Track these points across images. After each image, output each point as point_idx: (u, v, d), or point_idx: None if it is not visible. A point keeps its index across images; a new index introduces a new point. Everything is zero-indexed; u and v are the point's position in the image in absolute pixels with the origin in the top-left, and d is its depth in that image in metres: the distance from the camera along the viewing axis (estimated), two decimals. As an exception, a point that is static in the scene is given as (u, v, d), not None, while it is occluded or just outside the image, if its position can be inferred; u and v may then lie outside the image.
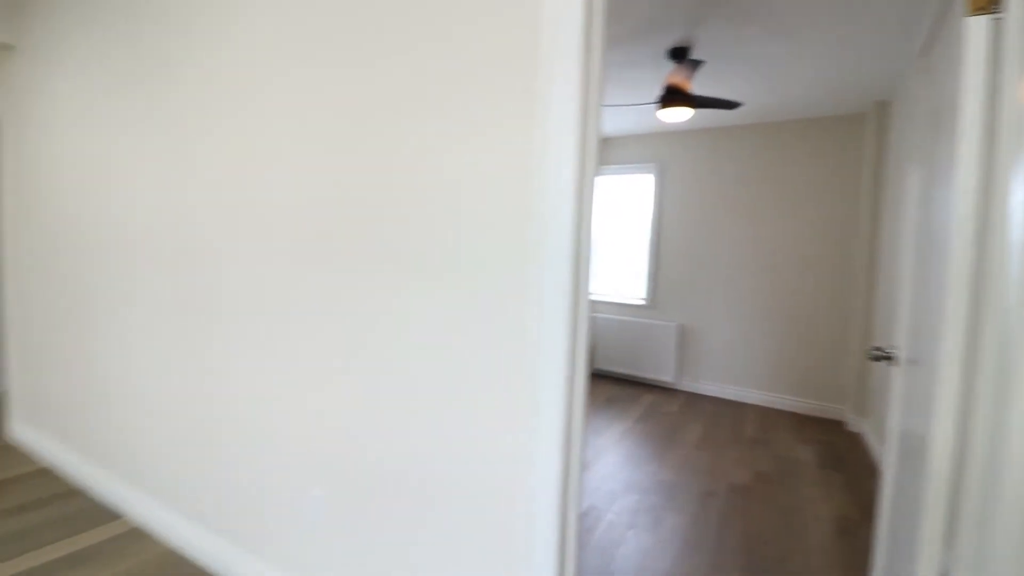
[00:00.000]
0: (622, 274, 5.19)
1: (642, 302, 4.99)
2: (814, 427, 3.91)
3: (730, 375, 4.56)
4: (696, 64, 2.93)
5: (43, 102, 2.58)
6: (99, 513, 2.24)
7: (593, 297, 5.26)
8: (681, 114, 3.26)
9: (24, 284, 2.84)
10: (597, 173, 1.20)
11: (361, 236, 1.46)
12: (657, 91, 3.76)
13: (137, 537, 2.08)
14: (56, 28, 2.45)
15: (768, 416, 4.13)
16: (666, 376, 4.74)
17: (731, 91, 3.66)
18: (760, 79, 3.40)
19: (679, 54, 3.03)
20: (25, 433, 2.90)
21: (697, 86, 3.60)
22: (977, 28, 1.00)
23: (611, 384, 4.88)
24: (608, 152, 5.20)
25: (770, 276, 4.36)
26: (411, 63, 1.34)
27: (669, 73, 3.31)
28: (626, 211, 5.19)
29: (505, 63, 1.20)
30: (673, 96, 3.16)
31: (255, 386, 1.75)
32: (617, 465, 3.07)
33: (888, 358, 1.61)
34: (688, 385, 4.74)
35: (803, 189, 4.22)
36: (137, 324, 2.16)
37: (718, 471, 3.03)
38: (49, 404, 2.73)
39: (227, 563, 1.86)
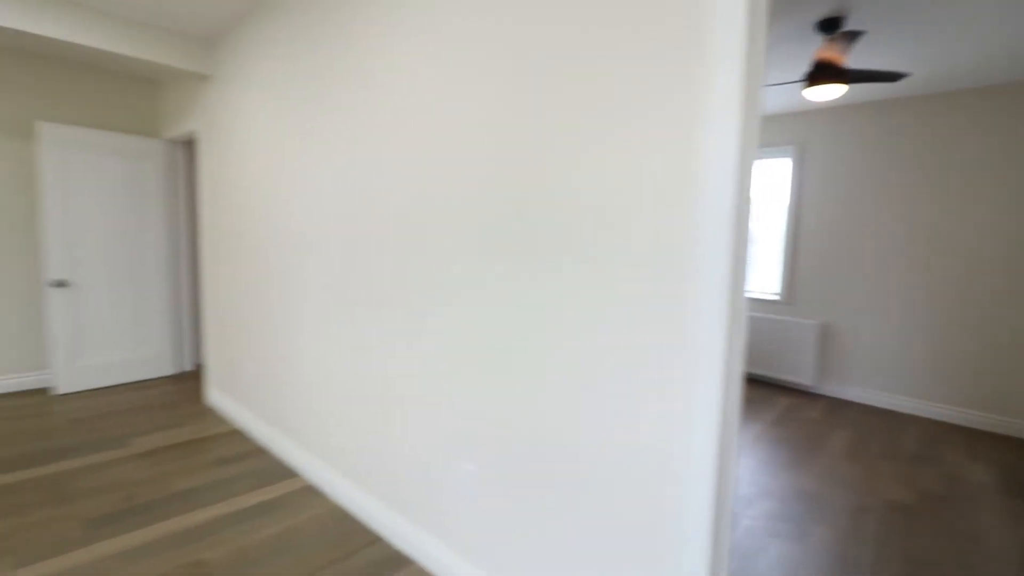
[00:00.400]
0: (754, 267, 4.85)
1: (776, 297, 4.63)
2: (990, 444, 3.37)
3: (881, 380, 4.08)
4: (853, 36, 2.64)
5: (232, 120, 3.05)
6: (280, 470, 2.64)
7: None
8: (832, 91, 2.96)
9: (217, 274, 3.40)
10: (755, 159, 1.16)
11: (520, 231, 1.55)
12: (803, 68, 3.45)
13: (312, 493, 2.41)
14: (242, 61, 2.88)
15: (931, 428, 3.64)
16: (804, 378, 4.36)
17: (889, 61, 3.24)
18: (924, 46, 2.97)
19: (830, 26, 2.75)
20: (219, 399, 3.48)
21: (850, 59, 3.24)
22: None
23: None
24: (738, 137, 4.87)
25: (930, 268, 3.81)
26: (560, 52, 1.39)
27: (819, 47, 3.02)
28: (759, 198, 4.84)
29: (661, 43, 1.20)
30: (823, 72, 2.88)
31: (412, 367, 1.93)
32: (751, 469, 2.91)
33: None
34: (830, 389, 4.32)
35: (973, 168, 3.61)
36: (309, 310, 2.48)
37: (871, 486, 2.75)
38: (236, 376, 3.25)
39: (384, 523, 2.09)
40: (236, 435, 3.07)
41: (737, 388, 1.19)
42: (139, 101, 4.09)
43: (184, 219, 4.21)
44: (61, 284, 3.56)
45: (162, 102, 4.15)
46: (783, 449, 3.20)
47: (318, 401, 2.48)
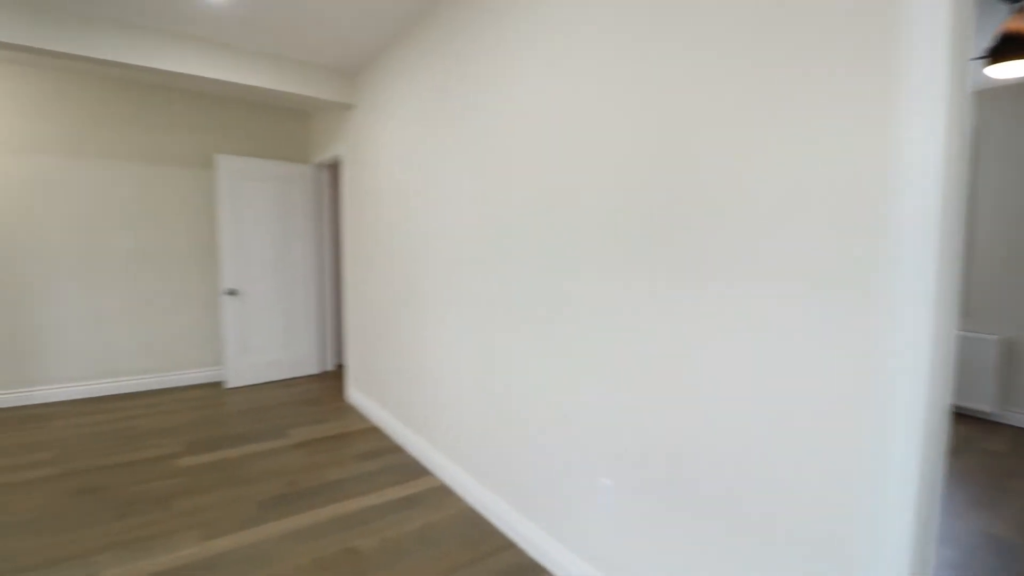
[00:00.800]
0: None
1: (941, 308, 4.01)
2: None
3: (1094, 410, 3.35)
4: (1057, -1, 2.22)
5: (372, 144, 3.33)
6: (416, 468, 2.80)
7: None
8: (1023, 67, 2.51)
9: (358, 283, 3.72)
10: (964, 151, 1.00)
11: (671, 241, 1.50)
12: (984, 42, 2.97)
13: (446, 493, 2.53)
14: (380, 91, 3.14)
15: None
16: (983, 404, 3.72)
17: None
18: None
19: (1024, -9, 2.34)
20: (357, 397, 3.79)
21: (1049, 26, 2.72)
22: None
23: (894, 406, 4.04)
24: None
25: None
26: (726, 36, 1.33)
27: (1007, 19, 2.58)
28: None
29: (844, 17, 1.09)
30: (1012, 46, 2.45)
31: (544, 376, 1.95)
32: (920, 506, 2.53)
33: None
34: (1017, 418, 3.64)
35: None
36: (443, 318, 2.62)
37: (1090, 539, 2.25)
38: (372, 377, 3.52)
39: (518, 529, 2.12)
40: (374, 432, 3.33)
41: (941, 435, 1.04)
42: (293, 131, 4.64)
43: (328, 234, 4.67)
44: (232, 293, 4.13)
45: (311, 131, 4.67)
46: (963, 486, 2.75)
47: (449, 405, 2.60)
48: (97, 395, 3.95)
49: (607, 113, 1.65)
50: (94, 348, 3.93)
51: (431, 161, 2.66)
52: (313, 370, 4.63)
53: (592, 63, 1.70)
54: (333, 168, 4.72)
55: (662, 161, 1.48)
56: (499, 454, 2.24)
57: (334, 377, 4.60)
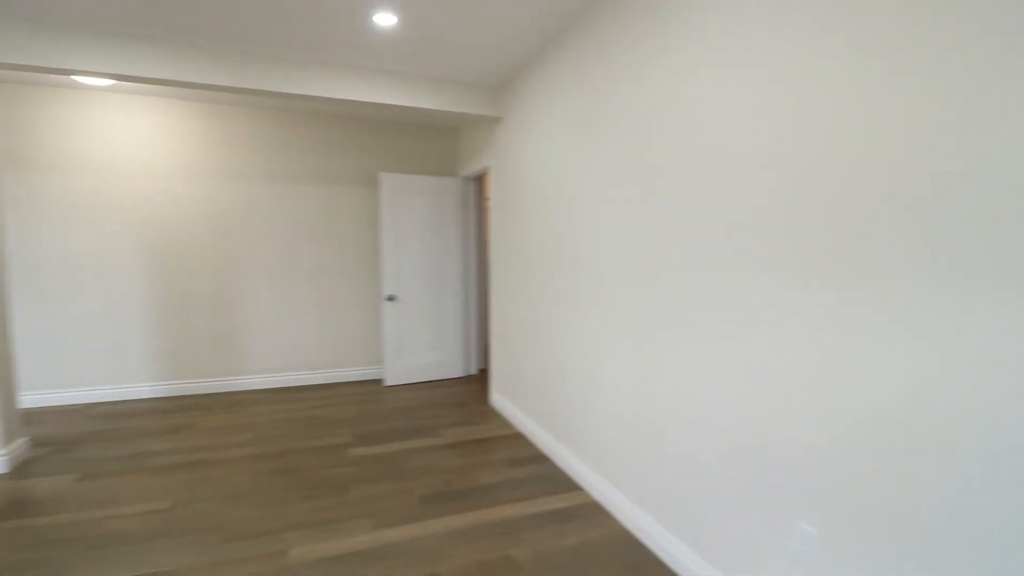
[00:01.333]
0: None
1: None
2: None
3: None
4: None
5: (519, 155, 3.38)
6: (564, 480, 2.76)
7: None
8: None
9: (503, 290, 3.81)
10: None
11: (869, 241, 1.27)
12: None
13: (598, 511, 2.44)
14: (527, 103, 3.18)
15: None
16: None
17: None
18: None
19: None
20: (501, 402, 3.88)
21: None
22: None
23: None
24: None
25: None
26: None
27: None
28: None
29: None
30: None
31: (723, 399, 1.78)
32: None
33: None
34: None
35: None
36: (592, 329, 2.55)
37: None
38: (516, 383, 3.57)
39: (686, 565, 1.96)
40: (519, 438, 3.36)
41: None
42: (443, 147, 4.94)
43: (473, 243, 4.89)
44: (391, 299, 4.50)
45: (460, 146, 4.93)
46: None
47: (601, 420, 2.51)
48: (282, 386, 4.56)
49: (815, 115, 1.45)
50: (282, 345, 4.55)
51: (583, 170, 2.62)
52: (458, 373, 4.86)
53: (786, 59, 1.50)
54: (478, 180, 4.93)
55: (887, 160, 1.25)
56: (659, 477, 2.10)
57: (477, 381, 4.78)
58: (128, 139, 4.05)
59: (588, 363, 2.62)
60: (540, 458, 3.05)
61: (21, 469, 2.88)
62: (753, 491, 1.64)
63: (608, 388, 2.44)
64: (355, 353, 4.78)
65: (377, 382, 4.73)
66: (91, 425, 3.58)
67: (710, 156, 1.79)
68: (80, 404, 4.02)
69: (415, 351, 4.65)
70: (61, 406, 3.97)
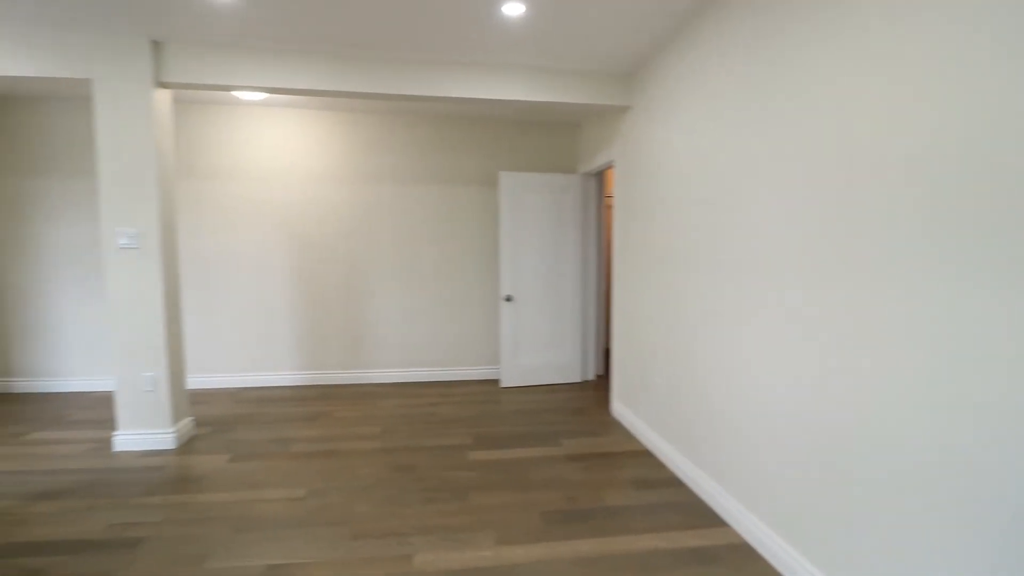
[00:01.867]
0: None
1: None
2: None
3: None
4: None
5: (649, 145, 3.08)
6: (703, 511, 2.44)
7: None
8: None
9: (628, 291, 3.53)
10: None
11: None
12: None
13: (749, 556, 2.10)
14: (660, 89, 2.87)
15: None
16: None
17: None
18: None
19: None
20: (623, 412, 3.61)
21: None
22: None
23: None
24: None
25: None
26: None
27: None
28: None
29: None
30: None
31: (948, 418, 1.38)
32: None
33: None
34: None
35: None
36: (752, 337, 2.20)
37: None
38: (641, 393, 3.27)
39: (871, 639, 1.57)
40: (646, 456, 3.07)
41: None
42: (562, 143, 4.77)
43: (593, 242, 4.65)
44: (509, 299, 4.42)
45: (579, 142, 4.72)
46: None
47: (752, 446, 2.15)
48: (404, 380, 4.70)
49: None
50: (404, 342, 4.69)
51: (738, 156, 2.27)
52: (575, 378, 4.65)
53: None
54: (599, 176, 4.68)
55: None
56: (836, 521, 1.72)
57: (595, 387, 4.54)
58: (274, 148, 4.41)
59: (739, 380, 2.27)
60: (673, 482, 2.75)
61: (186, 446, 3.21)
62: (994, 557, 1.23)
63: (768, 411, 2.08)
64: (472, 352, 4.79)
65: (493, 382, 4.69)
66: (242, 408, 3.93)
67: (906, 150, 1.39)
68: (233, 388, 4.46)
69: (532, 353, 4.54)
70: (218, 389, 4.44)
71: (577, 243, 4.56)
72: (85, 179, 4.24)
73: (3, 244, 4.23)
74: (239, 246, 4.43)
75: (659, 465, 2.95)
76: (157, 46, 3.03)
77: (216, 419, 3.69)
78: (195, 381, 4.45)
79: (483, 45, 3.02)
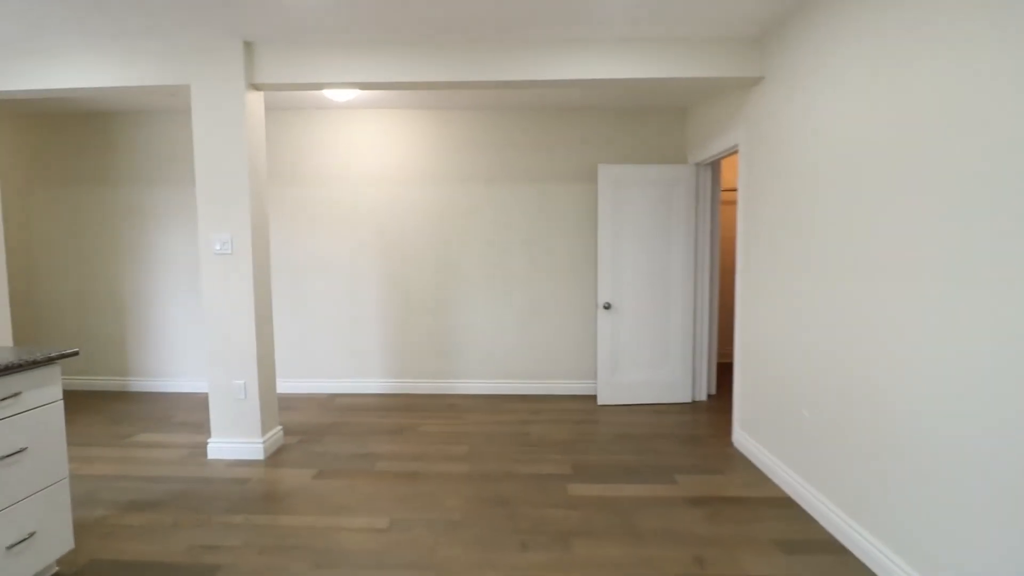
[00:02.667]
0: None
1: None
2: None
3: None
4: None
5: (789, 123, 2.50)
6: (884, 595, 1.85)
7: None
8: None
9: (755, 297, 2.94)
10: None
11: None
12: None
13: None
14: (808, 54, 2.28)
15: None
16: None
17: None
18: None
19: None
20: (747, 444, 3.01)
21: None
22: None
23: None
24: None
25: None
26: None
27: None
28: None
29: None
30: None
31: None
32: None
33: None
34: None
35: None
36: (950, 358, 1.59)
37: None
38: (776, 423, 2.68)
39: None
40: (789, 507, 2.49)
41: None
42: (669, 131, 4.23)
43: (706, 241, 4.07)
44: (607, 307, 3.97)
45: (690, 128, 4.16)
46: None
47: (974, 512, 1.55)
48: (493, 393, 4.39)
49: None
50: (494, 350, 4.38)
51: (916, 135, 1.67)
52: (682, 398, 4.09)
53: None
54: (714, 166, 4.09)
55: None
56: None
57: (708, 410, 3.94)
58: (362, 151, 4.31)
59: (956, 427, 1.66)
60: (833, 547, 2.15)
61: (274, 457, 3.11)
62: None
63: (955, 437, 1.47)
64: (567, 365, 4.38)
65: (590, 399, 4.25)
66: (329, 417, 3.82)
67: None
68: (322, 394, 4.41)
69: (633, 368, 4.04)
70: (308, 394, 4.40)
71: (687, 243, 4.00)
72: (191, 188, 4.39)
73: (120, 251, 4.48)
74: (329, 252, 4.37)
75: (808, 520, 2.36)
76: (249, 47, 2.96)
77: (304, 428, 3.59)
78: (286, 386, 4.46)
79: (588, 15, 2.61)
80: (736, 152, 3.38)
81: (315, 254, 4.39)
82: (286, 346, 4.44)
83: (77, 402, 4.22)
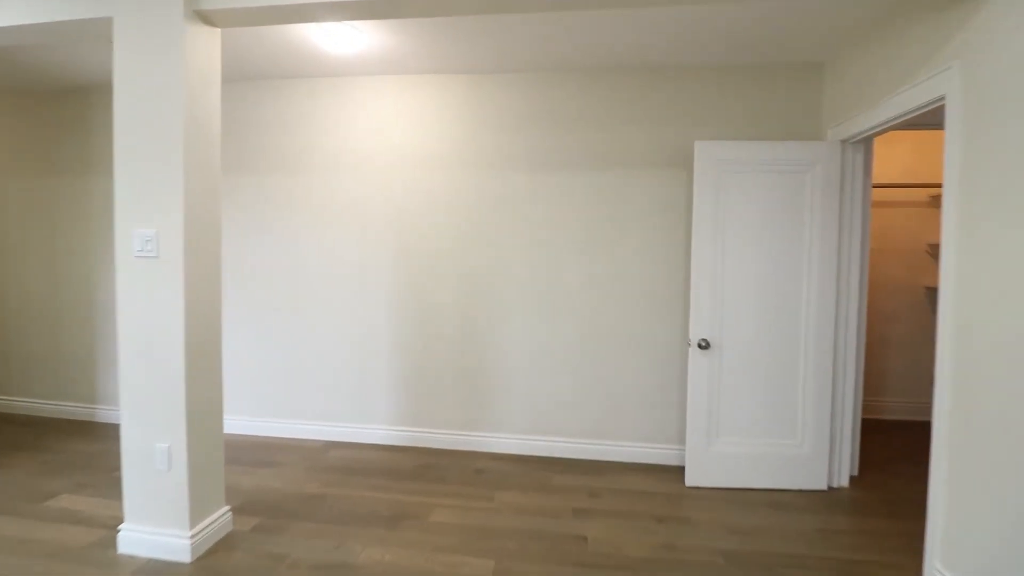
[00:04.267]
0: None
1: None
2: None
3: None
4: None
5: None
6: None
7: None
8: None
9: (981, 335, 1.66)
10: None
11: None
12: None
13: None
14: None
15: None
16: None
17: None
18: None
19: None
20: (979, 611, 1.72)
21: None
22: None
23: None
24: None
25: None
26: None
27: None
28: None
29: None
30: None
31: None
32: None
33: None
34: None
35: None
36: None
37: None
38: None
39: None
40: None
41: None
42: (796, 96, 2.98)
43: (857, 251, 2.78)
44: (704, 346, 2.75)
45: (829, 89, 2.89)
46: None
47: None
48: (534, 454, 3.25)
49: None
50: (537, 394, 3.25)
51: None
52: (814, 482, 2.78)
53: None
54: (867, 146, 2.79)
55: None
56: None
57: (857, 506, 2.63)
58: (369, 129, 3.32)
59: None
60: None
61: (208, 558, 2.10)
62: None
63: None
64: (639, 423, 3.18)
65: (672, 473, 3.02)
66: (313, 481, 2.81)
67: None
68: (317, 442, 3.41)
69: (741, 434, 2.80)
70: (299, 441, 3.42)
71: (825, 254, 2.73)
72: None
73: (95, 252, 3.70)
74: (327, 257, 3.40)
75: None
76: (189, -43, 2.02)
77: (271, 502, 2.59)
78: (271, 428, 3.50)
79: None
80: (943, 105, 2.11)
81: (310, 260, 3.43)
82: (270, 380, 3.50)
83: (26, 435, 3.44)
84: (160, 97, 2.02)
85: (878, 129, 2.46)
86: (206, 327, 2.17)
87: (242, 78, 3.38)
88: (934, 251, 3.87)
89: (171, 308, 2.05)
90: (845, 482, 2.84)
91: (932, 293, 3.89)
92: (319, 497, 2.64)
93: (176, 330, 2.05)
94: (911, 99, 2.17)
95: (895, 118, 2.30)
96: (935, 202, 3.87)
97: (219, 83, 2.23)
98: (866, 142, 2.78)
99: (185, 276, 2.04)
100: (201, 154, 2.11)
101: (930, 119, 2.30)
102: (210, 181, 2.18)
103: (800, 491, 2.77)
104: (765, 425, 2.79)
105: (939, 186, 3.72)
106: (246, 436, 3.48)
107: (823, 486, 2.78)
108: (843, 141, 2.72)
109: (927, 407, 3.93)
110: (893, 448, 3.39)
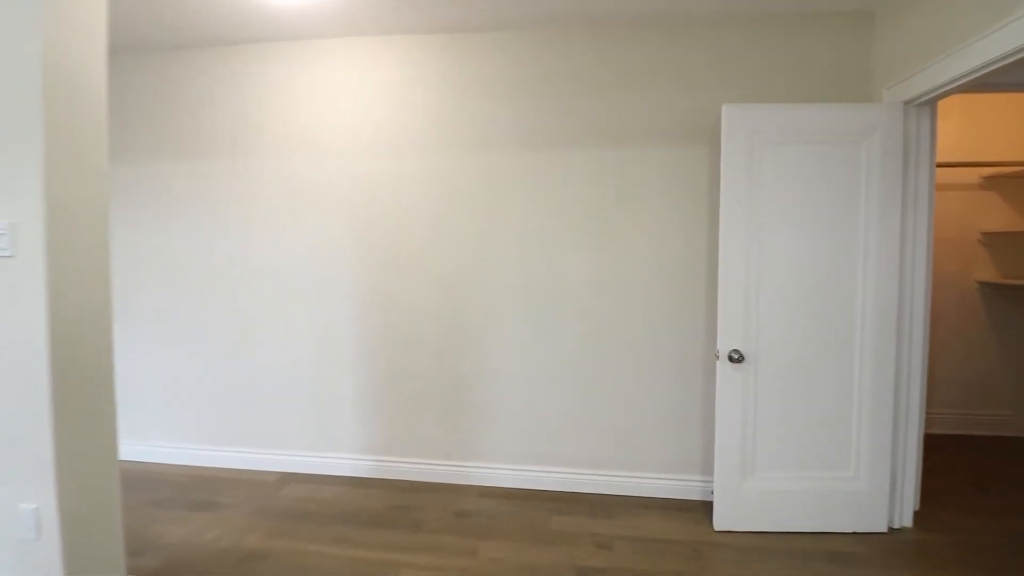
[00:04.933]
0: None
1: None
2: None
3: None
4: None
5: None
6: None
7: None
8: None
9: None
10: None
11: None
12: None
13: None
14: None
15: None
16: None
17: None
18: None
19: None
20: None
21: None
22: None
23: None
24: None
25: None
26: None
27: None
28: None
29: None
30: None
31: None
32: None
33: None
34: None
35: None
36: None
37: None
38: None
39: None
40: None
41: None
42: (841, 50, 2.46)
43: (923, 240, 2.26)
44: (736, 359, 2.23)
45: (884, 42, 2.37)
46: None
47: None
48: (522, 486, 2.72)
49: None
50: (533, 416, 2.73)
51: None
52: (873, 524, 2.26)
53: None
54: (933, 110, 2.27)
55: None
56: None
57: (933, 553, 2.11)
58: (329, 102, 2.78)
59: None
60: None
61: (88, 661, 1.57)
62: None
63: None
64: (652, 449, 2.65)
65: (696, 510, 2.50)
66: (256, 532, 2.27)
67: None
68: (272, 474, 2.87)
69: (781, 466, 2.28)
70: (252, 473, 2.88)
71: (886, 244, 2.21)
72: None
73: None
74: (280, 255, 2.86)
75: None
76: None
77: (194, 566, 2.04)
78: (216, 458, 2.96)
79: None
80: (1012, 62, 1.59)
81: (261, 258, 2.89)
82: (215, 402, 2.95)
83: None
84: (5, 40, 1.48)
85: (957, 84, 1.94)
86: (86, 346, 1.63)
87: (171, 47, 2.83)
88: (988, 240, 3.36)
89: (30, 322, 1.51)
90: (908, 521, 2.32)
91: (986, 288, 3.39)
92: (258, 556, 2.10)
93: (37, 352, 1.51)
94: (1008, 39, 1.64)
95: (984, 66, 1.78)
96: (989, 183, 3.35)
97: (105, 35, 1.68)
98: (931, 105, 2.26)
99: (49, 281, 1.50)
100: (75, 124, 1.57)
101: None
102: (92, 160, 1.64)
103: (855, 534, 2.26)
104: (814, 453, 2.27)
105: (995, 164, 3.21)
106: (188, 468, 2.93)
107: (883, 527, 2.26)
108: (905, 103, 2.20)
109: (979, 419, 3.44)
110: (952, 471, 2.88)
